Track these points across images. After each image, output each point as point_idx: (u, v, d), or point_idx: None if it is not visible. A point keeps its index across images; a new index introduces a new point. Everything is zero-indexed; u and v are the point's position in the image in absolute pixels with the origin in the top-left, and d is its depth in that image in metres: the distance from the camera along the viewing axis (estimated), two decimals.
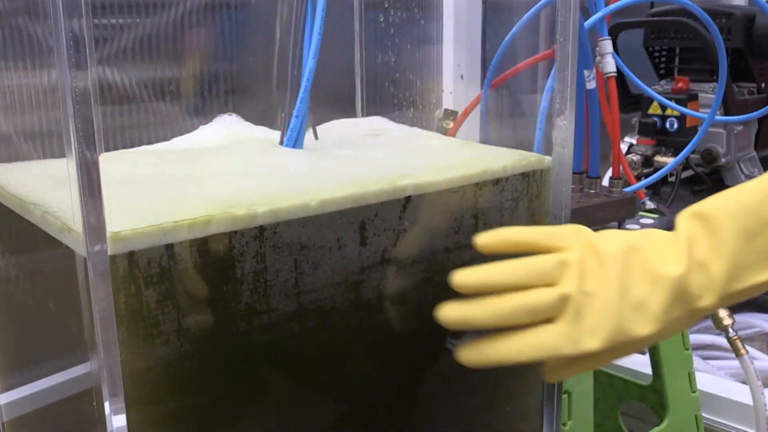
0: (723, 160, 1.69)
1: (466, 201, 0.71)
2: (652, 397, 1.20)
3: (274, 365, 0.62)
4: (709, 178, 1.78)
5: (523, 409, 0.83)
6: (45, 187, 0.64)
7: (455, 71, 1.20)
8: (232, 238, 0.57)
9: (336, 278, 0.64)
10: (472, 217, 0.72)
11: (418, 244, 0.68)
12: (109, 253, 0.51)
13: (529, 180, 0.76)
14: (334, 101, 0.96)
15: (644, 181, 1.12)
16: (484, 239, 0.62)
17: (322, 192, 0.62)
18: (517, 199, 0.76)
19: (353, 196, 0.63)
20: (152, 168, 0.70)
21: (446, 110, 1.19)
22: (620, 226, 1.04)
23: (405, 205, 0.67)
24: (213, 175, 0.68)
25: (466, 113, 1.03)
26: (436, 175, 0.68)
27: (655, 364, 1.17)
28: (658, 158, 1.63)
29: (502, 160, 0.74)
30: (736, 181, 1.75)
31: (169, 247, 0.54)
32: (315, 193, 0.61)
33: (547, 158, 0.77)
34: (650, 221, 1.09)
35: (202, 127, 0.83)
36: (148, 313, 0.54)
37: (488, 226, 0.73)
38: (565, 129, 0.76)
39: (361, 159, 0.76)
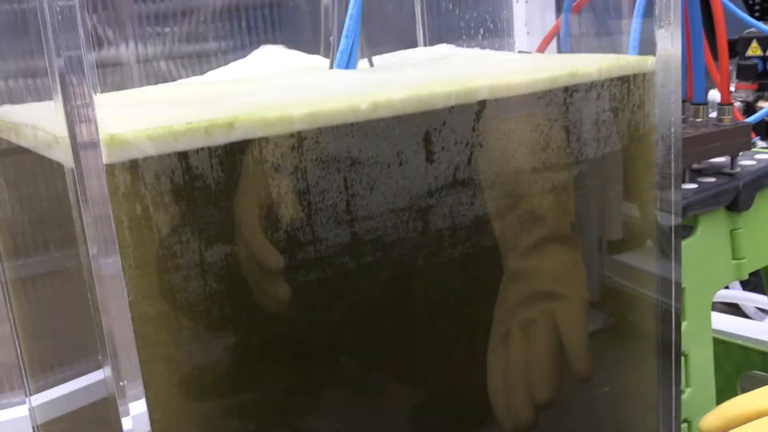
0: None
1: (554, 110, 0.58)
2: None
3: (321, 310, 0.51)
4: None
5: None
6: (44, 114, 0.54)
7: None
8: (263, 148, 0.46)
9: (397, 203, 0.52)
10: (563, 130, 0.59)
11: (497, 161, 0.56)
12: (105, 161, 0.41)
13: (630, 86, 0.62)
14: (391, 35, 0.84)
15: (761, 113, 0.96)
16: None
17: (376, 94, 0.50)
18: (616, 110, 0.62)
19: (414, 97, 0.51)
20: (171, 93, 0.60)
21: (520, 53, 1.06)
22: (733, 162, 0.89)
23: (479, 113, 0.54)
24: (245, 92, 0.57)
25: (547, 40, 0.89)
26: (515, 76, 0.56)
27: None
28: (762, 104, 1.46)
29: (596, 61, 0.61)
30: None
31: (183, 156, 0.43)
32: (366, 95, 0.49)
33: (651, 58, 0.63)
34: (767, 156, 0.93)
35: (237, 62, 0.72)
36: (160, 243, 0.43)
37: (581, 142, 0.60)
38: (671, 25, 0.63)
39: (426, 71, 0.63)
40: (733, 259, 0.88)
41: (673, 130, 0.65)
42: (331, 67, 0.69)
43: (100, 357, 0.45)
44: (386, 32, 0.81)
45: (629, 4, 0.88)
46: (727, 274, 0.88)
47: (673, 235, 0.68)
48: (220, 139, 0.44)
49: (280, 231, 0.47)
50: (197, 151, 0.43)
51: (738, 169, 0.89)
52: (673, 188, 0.67)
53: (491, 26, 0.81)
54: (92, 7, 0.75)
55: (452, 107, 0.52)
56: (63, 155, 0.42)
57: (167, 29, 0.75)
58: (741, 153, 0.90)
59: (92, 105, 0.40)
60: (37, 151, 0.48)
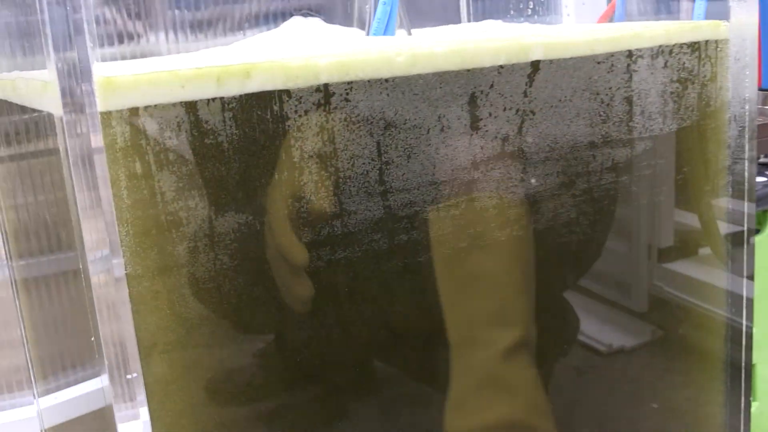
0: None
1: (616, 77, 0.52)
2: None
3: (352, 289, 0.45)
4: None
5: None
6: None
7: None
8: (284, 102, 0.40)
9: (437, 174, 0.46)
10: (625, 101, 0.52)
11: (551, 132, 0.49)
12: (100, 108, 0.35)
13: (700, 55, 0.56)
14: (431, 11, 0.78)
15: None
16: None
17: (414, 47, 0.44)
18: (685, 81, 0.55)
19: (458, 51, 0.44)
20: (191, 57, 0.54)
21: None
22: None
23: (532, 75, 0.48)
24: (272, 50, 0.51)
25: (605, 20, 0.83)
26: (573, 36, 0.49)
27: None
28: None
29: (662, 25, 0.54)
30: None
31: (191, 107, 0.37)
32: (404, 47, 0.43)
33: (723, 23, 0.56)
34: None
35: (266, 32, 0.66)
36: (164, 207, 0.38)
37: (647, 115, 0.54)
38: None
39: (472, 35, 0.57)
40: None
41: (748, 108, 0.58)
42: (367, 34, 0.63)
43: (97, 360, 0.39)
44: (426, 7, 0.75)
45: None
46: None
47: (746, 240, 0.60)
48: (234, 89, 0.38)
49: (301, 200, 0.41)
50: (208, 102, 0.38)
51: None
52: (747, 174, 0.59)
53: (535, 4, 0.75)
54: None
55: (501, 67, 0.46)
56: (53, 103, 0.36)
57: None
58: None
59: (86, 50, 0.34)
60: (31, 105, 0.42)
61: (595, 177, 0.52)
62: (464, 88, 0.45)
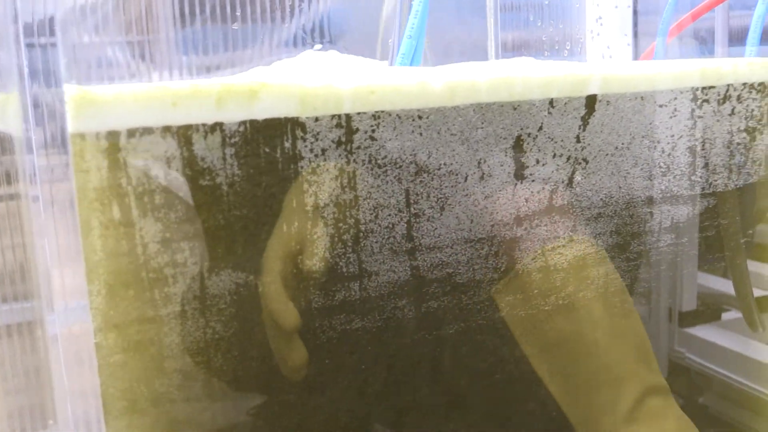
0: None
1: (679, 120, 0.45)
2: None
3: (375, 360, 0.37)
4: None
5: None
6: None
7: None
8: (296, 133, 0.33)
9: (474, 230, 0.38)
10: (688, 151, 0.45)
11: (606, 183, 0.42)
12: (71, 129, 0.28)
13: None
14: (460, 47, 0.72)
15: None
16: None
17: (451, 74, 0.37)
18: (753, 131, 0.48)
19: (504, 82, 0.38)
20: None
21: None
22: None
23: (587, 115, 0.41)
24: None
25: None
26: (633, 69, 0.42)
27: None
28: None
29: (729, 62, 0.48)
30: None
31: (187, 132, 0.30)
32: (439, 74, 0.37)
33: None
34: None
35: (283, 60, 0.60)
36: (146, 260, 0.30)
37: (711, 170, 0.47)
38: None
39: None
40: None
41: None
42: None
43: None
44: (453, 42, 0.69)
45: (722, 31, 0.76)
46: None
47: None
48: (238, 112, 0.31)
49: (314, 257, 0.34)
50: (205, 128, 0.31)
51: None
52: None
53: (565, 45, 0.69)
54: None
55: (553, 102, 0.39)
56: (10, 120, 0.29)
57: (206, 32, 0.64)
58: None
59: (57, 56, 0.27)
60: None
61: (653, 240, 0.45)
62: (508, 127, 0.38)
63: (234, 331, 0.33)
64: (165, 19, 0.63)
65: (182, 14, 0.62)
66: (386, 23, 0.62)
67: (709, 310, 0.56)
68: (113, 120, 0.29)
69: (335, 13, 0.67)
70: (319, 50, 0.62)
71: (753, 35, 0.60)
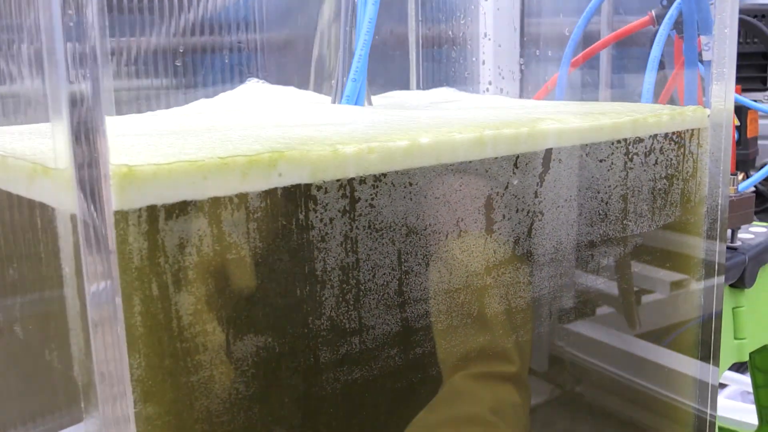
0: None
1: (614, 170, 0.50)
2: None
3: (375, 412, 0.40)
4: None
5: None
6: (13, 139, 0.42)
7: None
8: (310, 197, 0.35)
9: (452, 282, 0.42)
10: (621, 199, 0.51)
11: (556, 232, 0.47)
12: (115, 207, 0.29)
13: (685, 146, 0.55)
14: (386, 78, 0.75)
15: (757, 176, 0.91)
16: None
17: (438, 130, 0.40)
18: (671, 177, 0.54)
19: (488, 139, 0.41)
20: (176, 122, 0.48)
21: None
22: (733, 235, 0.83)
23: (543, 170, 0.45)
24: (263, 124, 0.46)
25: (545, 92, 0.82)
26: (581, 121, 0.47)
27: (765, 406, 0.95)
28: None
29: (648, 110, 0.53)
30: None
31: (215, 204, 0.32)
32: (423, 131, 0.40)
33: (706, 110, 0.56)
34: (764, 229, 0.88)
35: (224, 94, 0.61)
36: (180, 331, 0.32)
37: (636, 215, 0.52)
38: (725, 73, 0.56)
39: (459, 112, 0.54)
40: (735, 338, 0.81)
41: (719, 210, 0.58)
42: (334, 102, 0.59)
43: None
44: (380, 73, 0.72)
45: (629, 58, 0.82)
46: (729, 355, 0.81)
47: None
48: (258, 182, 0.33)
49: (327, 316, 0.36)
50: (233, 198, 0.32)
51: (739, 243, 0.83)
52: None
53: (464, 73, 0.74)
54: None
55: (518, 157, 0.43)
56: (55, 192, 0.30)
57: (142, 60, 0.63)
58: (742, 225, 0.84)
59: (103, 129, 0.28)
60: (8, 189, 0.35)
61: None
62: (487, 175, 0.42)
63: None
64: None
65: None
66: (318, 59, 0.64)
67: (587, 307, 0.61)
68: (152, 194, 0.30)
69: (270, 47, 0.68)
70: (255, 83, 0.63)
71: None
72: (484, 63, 0.78)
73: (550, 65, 0.88)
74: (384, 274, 0.38)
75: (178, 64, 0.63)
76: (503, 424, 0.45)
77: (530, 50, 0.88)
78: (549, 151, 0.44)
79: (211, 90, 0.64)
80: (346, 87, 0.59)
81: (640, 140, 0.50)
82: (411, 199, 0.38)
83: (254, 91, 0.60)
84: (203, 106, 0.57)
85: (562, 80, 0.83)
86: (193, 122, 0.47)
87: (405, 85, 0.75)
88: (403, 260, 0.39)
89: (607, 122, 0.47)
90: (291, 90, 0.61)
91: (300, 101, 0.59)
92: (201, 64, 0.65)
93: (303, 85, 0.65)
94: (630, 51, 0.90)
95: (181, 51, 0.63)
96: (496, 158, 0.42)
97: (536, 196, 0.44)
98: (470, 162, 0.41)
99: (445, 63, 0.81)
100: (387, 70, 0.75)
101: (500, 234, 0.43)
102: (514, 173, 0.43)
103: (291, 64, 0.70)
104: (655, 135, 0.51)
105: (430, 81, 0.77)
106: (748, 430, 0.98)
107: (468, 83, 0.84)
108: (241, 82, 0.64)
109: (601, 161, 0.48)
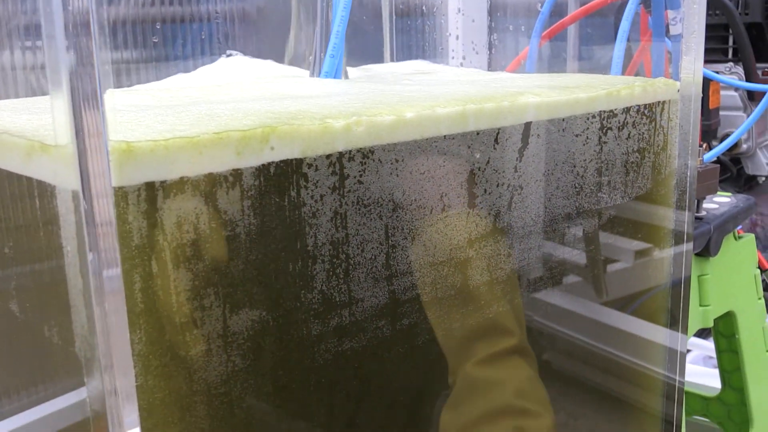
0: (744, 146, 1.54)
1: (590, 142, 0.51)
2: (719, 410, 1.02)
3: (366, 380, 0.41)
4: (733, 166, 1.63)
5: None
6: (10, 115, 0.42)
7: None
8: (304, 170, 0.36)
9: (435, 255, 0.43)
10: (596, 172, 0.52)
11: (536, 204, 0.48)
12: (114, 183, 0.30)
13: (656, 119, 0.56)
14: (361, 51, 0.75)
15: (721, 147, 0.94)
16: None
17: (422, 104, 0.41)
18: (643, 151, 0.56)
19: (473, 112, 0.42)
20: (159, 98, 0.48)
21: None
22: (699, 206, 0.85)
23: (523, 143, 0.46)
24: (249, 98, 0.46)
25: (516, 64, 0.83)
26: (558, 95, 0.48)
27: (728, 371, 0.98)
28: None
29: (621, 81, 0.54)
30: (758, 170, 1.60)
31: (212, 180, 0.33)
32: (413, 106, 0.40)
33: (677, 83, 0.57)
34: (727, 199, 0.91)
35: (203, 68, 0.61)
36: (179, 305, 0.33)
37: (611, 188, 0.53)
38: (694, 47, 0.57)
39: (438, 86, 0.55)
40: (700, 305, 0.84)
41: (688, 181, 0.59)
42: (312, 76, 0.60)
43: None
44: (356, 47, 0.73)
45: (595, 29, 0.83)
46: (695, 321, 0.84)
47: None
48: (251, 157, 0.34)
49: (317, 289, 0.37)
50: (229, 173, 0.33)
51: (704, 213, 0.85)
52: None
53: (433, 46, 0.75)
54: None
55: (497, 130, 0.44)
56: (54, 169, 0.30)
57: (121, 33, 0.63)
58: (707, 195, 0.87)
59: (101, 105, 0.29)
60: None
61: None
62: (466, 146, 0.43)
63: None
64: None
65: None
66: (295, 33, 0.64)
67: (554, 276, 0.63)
68: (150, 170, 0.31)
69: (246, 21, 0.68)
70: (232, 56, 0.64)
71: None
72: (458, 38, 0.79)
73: (520, 38, 0.89)
74: (372, 248, 0.39)
75: (156, 39, 0.63)
76: (529, 404, 0.47)
77: (502, 24, 0.89)
78: (528, 125, 0.46)
79: (190, 64, 0.64)
80: (324, 63, 0.59)
81: (614, 114, 0.52)
82: (397, 175, 0.39)
83: (234, 64, 0.60)
84: (183, 81, 0.57)
85: (533, 53, 0.84)
86: (177, 97, 0.47)
87: (379, 58, 0.75)
88: (390, 234, 0.40)
89: (582, 96, 0.49)
90: (270, 63, 0.61)
91: (280, 75, 0.59)
92: (178, 36, 0.65)
93: (279, 59, 0.66)
94: (595, 22, 0.91)
95: (158, 26, 0.63)
96: (478, 132, 0.43)
97: (515, 171, 0.46)
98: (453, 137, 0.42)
99: (418, 36, 0.81)
100: (361, 44, 0.76)
101: (480, 208, 0.44)
102: (494, 148, 0.44)
103: (267, 38, 0.70)
104: (629, 108, 0.53)
105: (403, 55, 0.78)
106: (712, 394, 1.01)
107: (440, 57, 0.85)
108: (220, 55, 0.64)
109: (576, 136, 0.49)
